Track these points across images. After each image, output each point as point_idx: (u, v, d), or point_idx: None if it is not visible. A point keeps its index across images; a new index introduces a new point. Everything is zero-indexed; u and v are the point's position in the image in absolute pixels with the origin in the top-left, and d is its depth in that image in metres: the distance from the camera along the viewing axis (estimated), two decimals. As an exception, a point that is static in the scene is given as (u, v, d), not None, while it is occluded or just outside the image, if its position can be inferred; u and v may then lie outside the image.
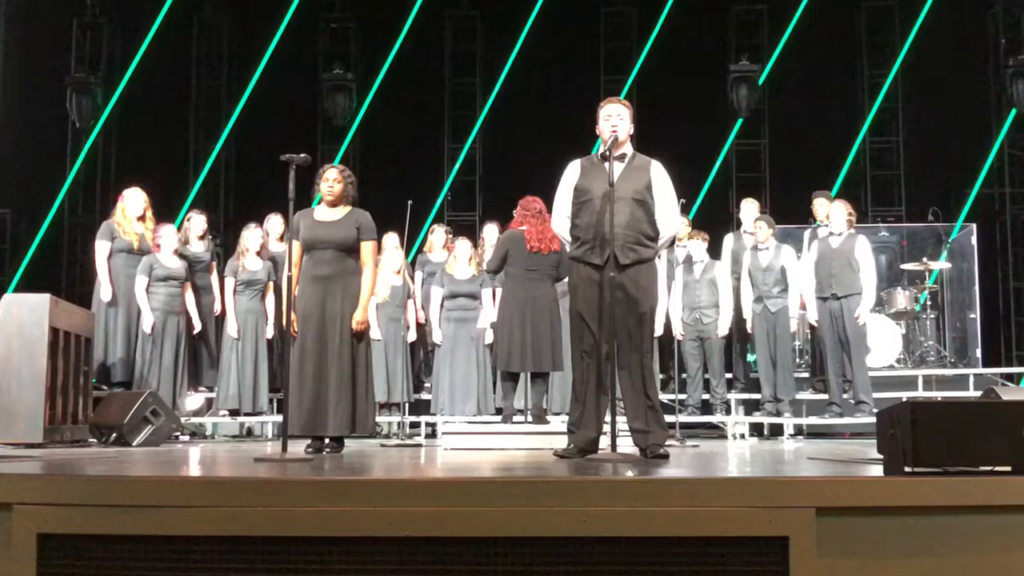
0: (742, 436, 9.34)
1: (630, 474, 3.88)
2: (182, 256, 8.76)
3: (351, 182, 6.26)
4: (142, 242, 8.71)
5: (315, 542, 3.25)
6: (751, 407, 9.76)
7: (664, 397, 6.81)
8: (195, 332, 8.86)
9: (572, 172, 5.55)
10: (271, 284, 9.10)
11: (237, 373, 8.88)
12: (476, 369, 9.20)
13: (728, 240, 9.95)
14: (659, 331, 8.77)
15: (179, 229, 9.30)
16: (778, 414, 9.18)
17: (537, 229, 7.51)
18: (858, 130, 13.23)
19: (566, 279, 7.57)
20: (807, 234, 9.73)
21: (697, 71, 13.37)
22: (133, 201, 8.84)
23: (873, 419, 4.70)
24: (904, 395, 9.01)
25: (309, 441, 6.00)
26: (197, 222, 9.22)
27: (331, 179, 6.18)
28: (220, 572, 3.28)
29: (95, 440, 7.43)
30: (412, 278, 9.72)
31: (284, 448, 5.01)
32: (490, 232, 9.79)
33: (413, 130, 13.65)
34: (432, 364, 9.60)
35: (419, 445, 7.68)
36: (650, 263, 5.35)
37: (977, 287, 12.22)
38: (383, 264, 9.10)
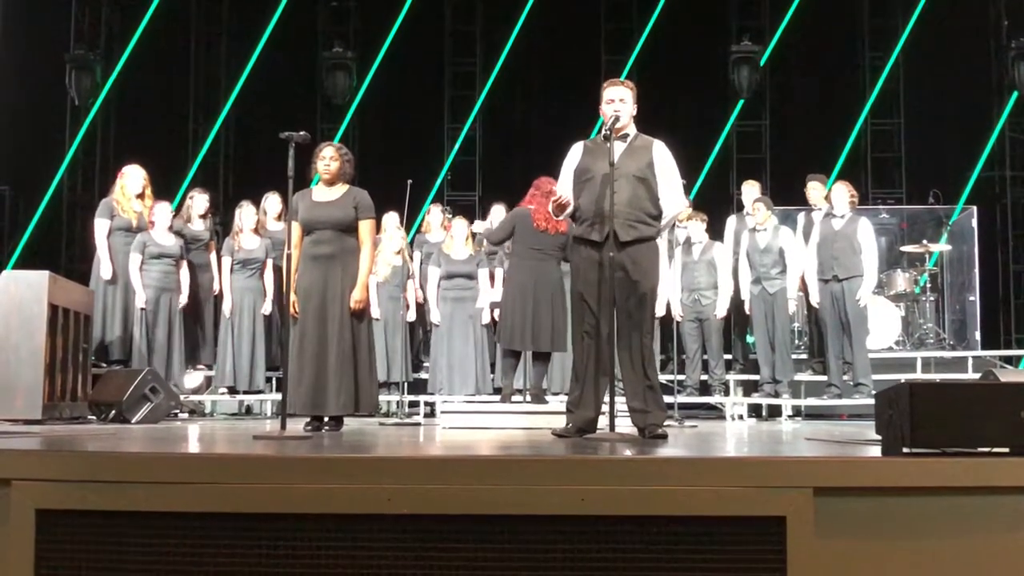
0: (740, 417, 9.35)
1: (628, 454, 3.89)
2: (178, 234, 8.75)
3: (348, 160, 6.23)
4: (141, 220, 8.69)
5: (314, 519, 3.26)
6: (749, 388, 9.77)
7: (663, 378, 6.81)
8: (181, 307, 8.81)
9: (574, 154, 5.55)
10: (268, 262, 9.10)
11: (233, 351, 8.90)
12: (473, 349, 9.21)
13: (731, 222, 9.95)
14: (660, 312, 8.78)
15: (179, 207, 9.28)
16: (776, 395, 9.19)
17: (544, 208, 7.47)
18: (859, 112, 13.19)
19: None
20: (801, 217, 9.71)
21: (698, 52, 13.32)
22: (132, 178, 8.81)
23: (872, 401, 4.70)
24: (903, 377, 9.01)
25: (308, 419, 6.01)
26: (199, 201, 9.19)
27: (327, 157, 6.14)
28: (218, 549, 3.28)
29: (94, 417, 7.44)
30: (411, 258, 9.71)
31: (283, 426, 5.02)
32: (497, 213, 9.73)
33: (413, 109, 13.62)
34: (431, 344, 9.62)
35: (418, 424, 7.70)
36: (651, 243, 5.34)
37: (977, 270, 12.19)
38: (384, 244, 9.10)
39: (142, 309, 8.39)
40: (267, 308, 9.10)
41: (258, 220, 9.17)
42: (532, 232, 7.51)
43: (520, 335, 7.49)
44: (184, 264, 8.74)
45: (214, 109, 13.49)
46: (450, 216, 10.01)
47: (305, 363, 5.91)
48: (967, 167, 12.89)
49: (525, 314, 7.46)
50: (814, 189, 9.47)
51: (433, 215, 10.15)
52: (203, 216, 9.18)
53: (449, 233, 9.50)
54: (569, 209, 5.46)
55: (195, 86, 13.65)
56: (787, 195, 10.97)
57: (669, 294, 9.29)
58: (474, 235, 9.55)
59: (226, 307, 8.94)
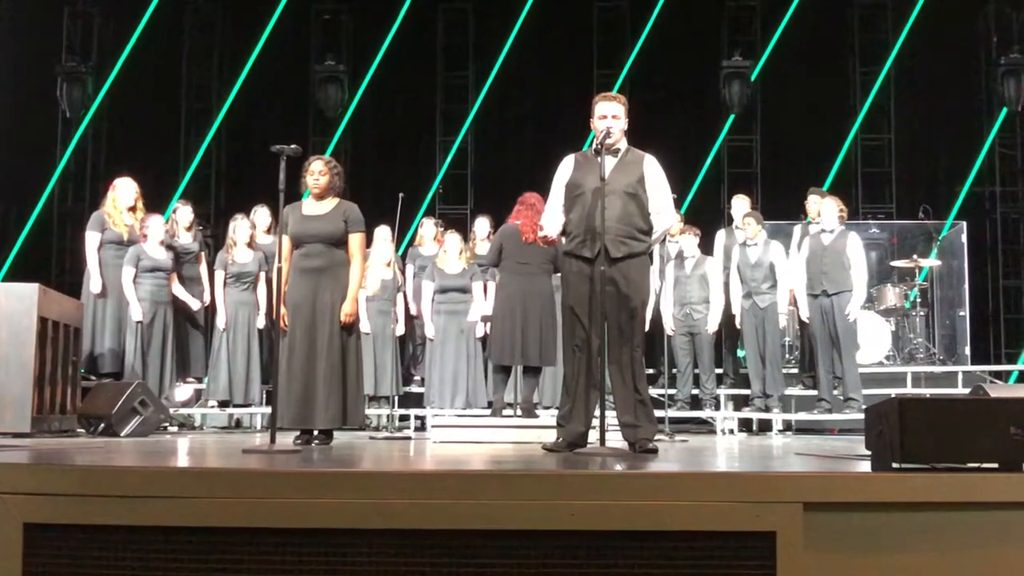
0: (731, 431, 9.35)
1: (618, 468, 3.89)
2: (169, 247, 8.73)
3: (337, 173, 6.23)
4: (132, 233, 8.65)
5: (303, 534, 3.25)
6: (740, 402, 9.77)
7: (654, 392, 6.82)
8: (197, 309, 8.87)
9: (565, 167, 5.55)
10: (262, 275, 9.08)
11: (228, 365, 8.87)
12: (466, 362, 9.20)
13: (720, 236, 9.96)
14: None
15: (167, 220, 9.27)
16: (767, 409, 9.19)
17: (532, 220, 7.51)
18: (850, 127, 13.23)
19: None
20: (797, 230, 9.74)
21: (689, 66, 13.35)
22: (124, 191, 8.78)
23: (862, 415, 4.71)
24: (893, 392, 9.03)
25: (298, 433, 5.99)
26: (184, 213, 9.17)
27: (316, 171, 6.14)
28: (208, 563, 3.27)
29: (83, 430, 7.41)
30: (403, 271, 9.71)
31: (272, 440, 5.01)
32: (481, 226, 9.77)
33: (405, 122, 13.64)
34: (420, 357, 9.60)
35: (408, 438, 7.69)
36: (642, 257, 5.35)
37: (967, 285, 12.23)
38: (373, 257, 9.09)
39: (138, 322, 8.36)
40: (261, 323, 9.07)
41: (251, 234, 9.15)
42: (520, 247, 7.53)
43: (510, 350, 7.50)
44: (175, 277, 8.71)
45: (206, 121, 13.47)
46: (442, 230, 10.01)
47: (294, 376, 5.90)
48: (957, 182, 12.94)
49: (514, 329, 7.47)
50: (814, 202, 9.50)
51: (426, 228, 10.15)
52: (188, 228, 9.16)
53: (443, 247, 9.50)
54: (559, 228, 5.48)
55: (187, 98, 13.63)
56: (777, 210, 11.00)
57: (661, 308, 9.30)
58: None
59: (220, 321, 8.91)
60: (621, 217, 5.24)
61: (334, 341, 5.96)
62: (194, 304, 8.84)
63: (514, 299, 7.52)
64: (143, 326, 8.39)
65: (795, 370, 10.03)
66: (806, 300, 8.97)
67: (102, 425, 7.10)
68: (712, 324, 9.36)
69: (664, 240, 9.06)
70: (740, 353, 9.79)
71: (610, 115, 5.38)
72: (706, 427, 9.72)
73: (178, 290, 8.74)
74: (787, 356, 10.32)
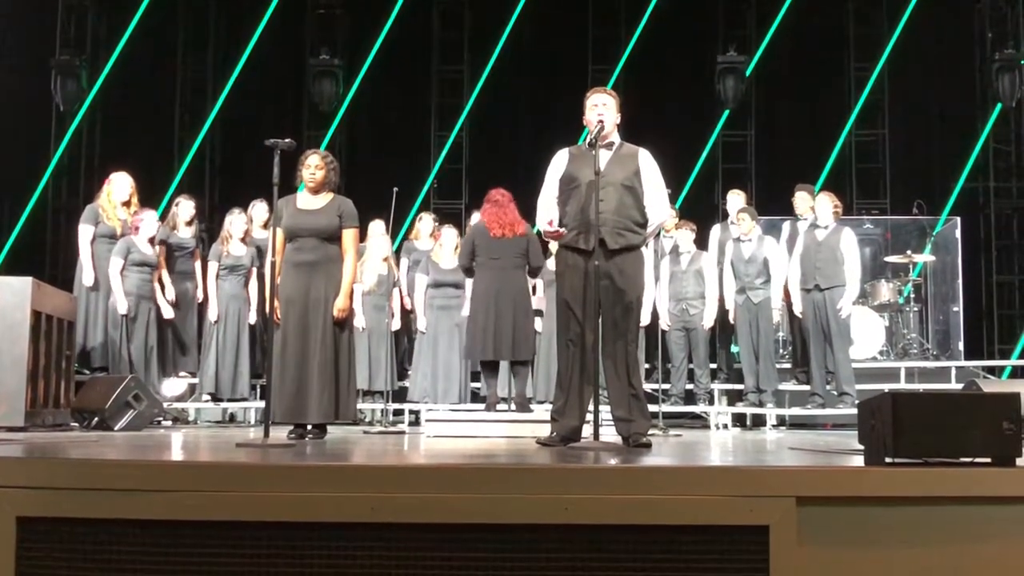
0: (725, 426, 9.36)
1: (612, 463, 3.89)
2: (163, 242, 8.70)
3: (333, 168, 6.23)
4: (125, 228, 8.64)
5: (296, 527, 3.25)
6: (734, 397, 9.78)
7: (648, 387, 6.83)
8: (166, 318, 8.74)
9: (560, 160, 5.56)
10: (254, 270, 9.06)
11: (217, 358, 8.85)
12: (458, 357, 9.19)
13: (715, 231, 9.96)
14: (646, 320, 8.79)
15: (164, 214, 9.24)
16: (761, 404, 9.20)
17: (496, 215, 7.57)
18: (844, 122, 13.24)
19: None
20: (786, 227, 9.73)
21: (684, 61, 13.36)
22: (119, 185, 8.77)
23: (855, 410, 4.72)
24: (886, 387, 9.03)
25: (291, 427, 5.99)
26: (186, 207, 9.13)
27: (313, 165, 6.14)
28: (201, 557, 3.27)
29: (77, 424, 7.40)
30: (397, 266, 9.70)
31: (266, 434, 5.01)
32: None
33: (400, 117, 13.62)
34: (415, 351, 9.60)
35: (402, 432, 7.68)
36: (637, 251, 5.36)
37: (960, 280, 12.25)
38: (371, 252, 9.09)
39: (123, 315, 8.33)
40: (252, 318, 9.05)
41: (247, 229, 9.13)
42: (489, 242, 7.57)
43: (481, 345, 7.54)
44: (158, 274, 8.66)
45: (200, 115, 13.45)
46: (438, 224, 9.99)
47: (287, 371, 5.90)
48: (951, 178, 12.95)
49: (487, 324, 7.49)
50: (801, 199, 9.49)
51: (424, 223, 10.12)
52: (189, 223, 9.13)
53: (438, 242, 9.49)
54: (555, 223, 5.49)
55: (181, 92, 13.61)
56: (772, 205, 11.00)
57: (656, 303, 9.30)
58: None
59: (211, 314, 8.89)
60: (618, 209, 5.26)
61: (327, 336, 5.96)
62: (168, 301, 8.73)
63: (488, 294, 7.54)
64: (127, 319, 8.36)
65: (788, 365, 10.04)
66: (799, 295, 8.98)
67: (96, 419, 7.09)
68: (708, 319, 9.37)
69: (659, 235, 9.07)
70: (734, 348, 9.80)
71: (600, 104, 5.39)
72: (700, 422, 9.73)
73: (158, 289, 8.67)
74: (780, 351, 10.33)
